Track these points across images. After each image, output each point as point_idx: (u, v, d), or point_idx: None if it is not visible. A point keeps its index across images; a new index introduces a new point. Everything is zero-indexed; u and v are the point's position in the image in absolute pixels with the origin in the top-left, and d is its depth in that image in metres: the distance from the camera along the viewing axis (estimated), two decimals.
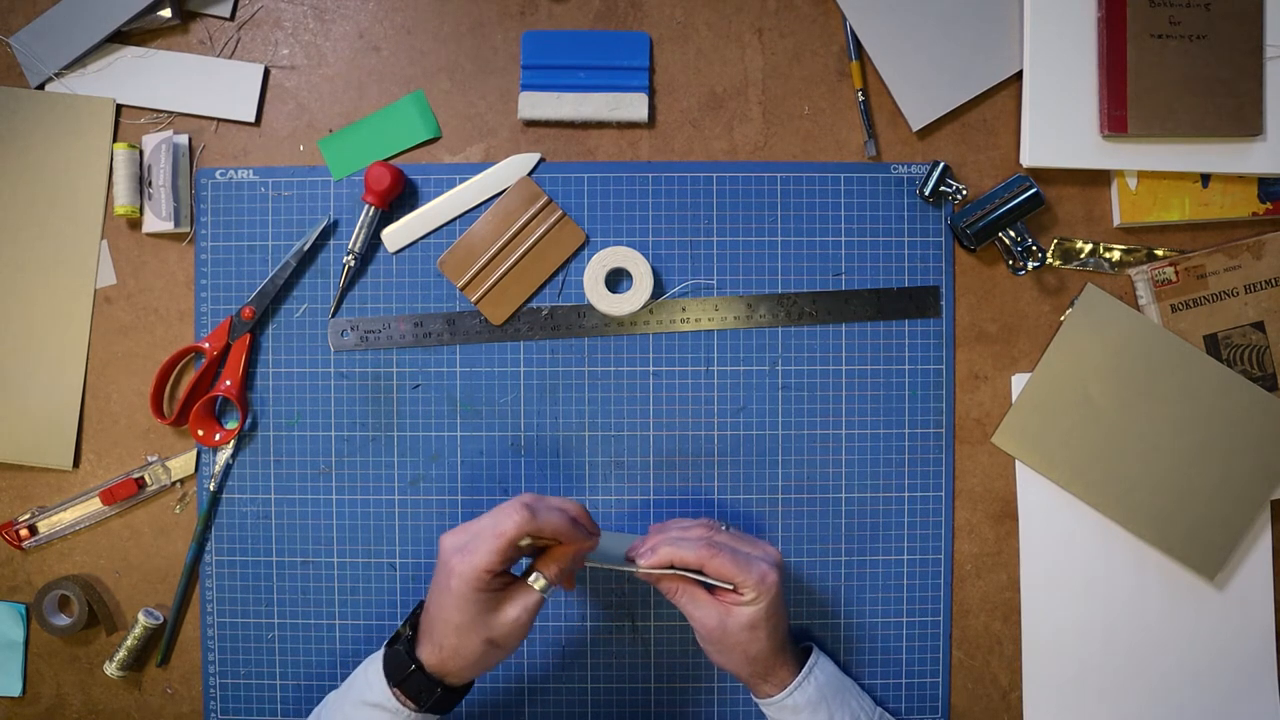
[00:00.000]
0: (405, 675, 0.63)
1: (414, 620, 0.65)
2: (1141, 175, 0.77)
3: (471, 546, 0.61)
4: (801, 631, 0.78)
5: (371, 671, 0.64)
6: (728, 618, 0.66)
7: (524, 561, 0.66)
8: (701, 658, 0.78)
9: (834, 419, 0.78)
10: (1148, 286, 0.77)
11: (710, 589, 0.68)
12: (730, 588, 0.66)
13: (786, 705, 0.68)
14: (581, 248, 0.77)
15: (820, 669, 0.70)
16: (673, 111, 0.78)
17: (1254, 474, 0.77)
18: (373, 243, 0.77)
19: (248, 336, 0.77)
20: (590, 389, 0.78)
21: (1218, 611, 0.78)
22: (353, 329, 0.78)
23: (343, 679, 0.77)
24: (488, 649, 0.62)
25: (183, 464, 0.78)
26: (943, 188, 0.76)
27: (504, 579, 0.63)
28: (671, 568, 0.67)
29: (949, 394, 0.78)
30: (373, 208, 0.76)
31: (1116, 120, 0.74)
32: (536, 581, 0.63)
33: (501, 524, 0.61)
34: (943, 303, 0.78)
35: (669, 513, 0.77)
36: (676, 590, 0.68)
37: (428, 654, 0.63)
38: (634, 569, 0.67)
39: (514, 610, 0.62)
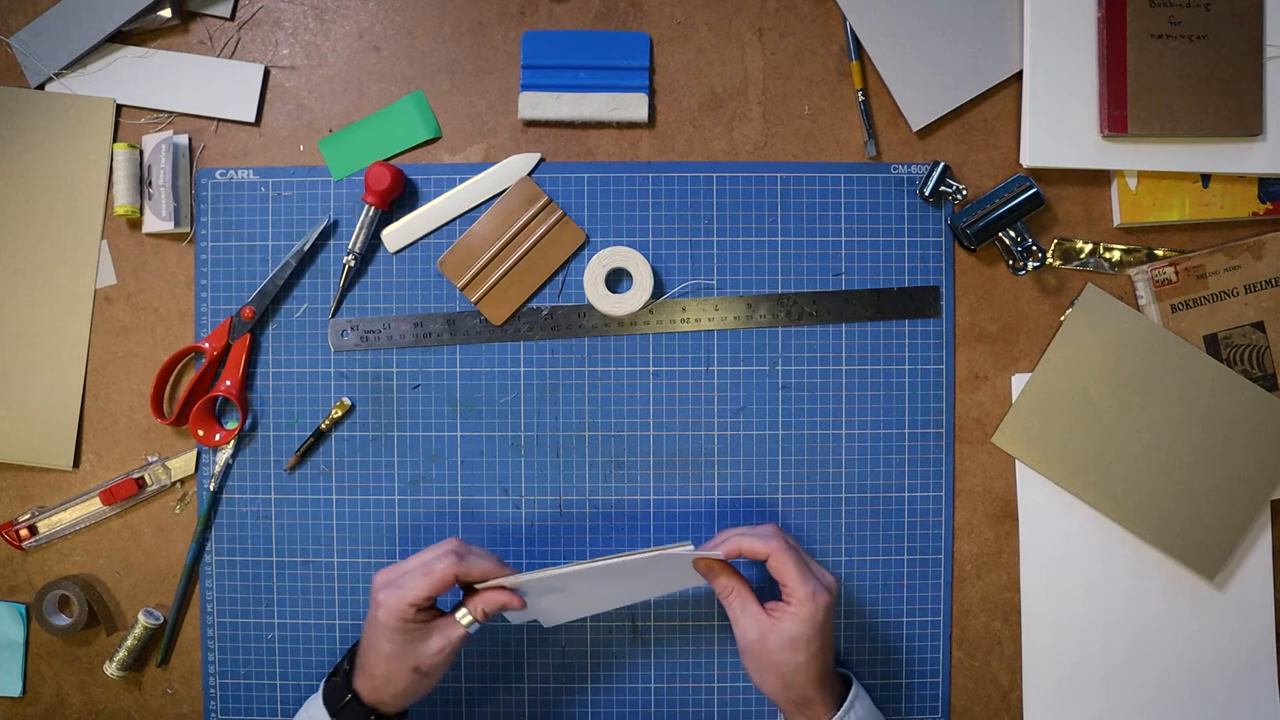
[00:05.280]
0: (342, 704, 0.66)
1: (352, 655, 0.69)
2: (1141, 175, 0.77)
3: (400, 582, 0.65)
4: None
5: (314, 708, 0.67)
6: (770, 632, 0.66)
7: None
8: (701, 658, 0.78)
9: (834, 419, 0.78)
10: (1148, 286, 0.77)
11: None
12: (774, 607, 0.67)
13: None
14: (581, 248, 0.78)
15: (860, 703, 0.68)
16: (673, 111, 0.78)
17: (1254, 474, 0.77)
18: (373, 243, 0.77)
19: (248, 336, 0.77)
20: (590, 389, 0.78)
21: (1218, 611, 0.78)
22: (353, 329, 0.78)
23: None
24: (415, 678, 0.66)
25: (183, 464, 0.78)
26: (943, 188, 0.76)
27: (430, 613, 0.67)
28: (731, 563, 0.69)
29: (949, 394, 0.78)
30: (373, 208, 0.76)
31: (1116, 120, 0.74)
32: (464, 618, 0.67)
33: (431, 565, 0.66)
34: (943, 303, 0.78)
35: (669, 513, 0.78)
36: (730, 591, 0.68)
37: (362, 684, 0.67)
38: (695, 553, 0.67)
39: (439, 642, 0.66)
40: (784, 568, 0.66)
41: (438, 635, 0.66)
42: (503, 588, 0.67)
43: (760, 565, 0.69)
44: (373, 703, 0.66)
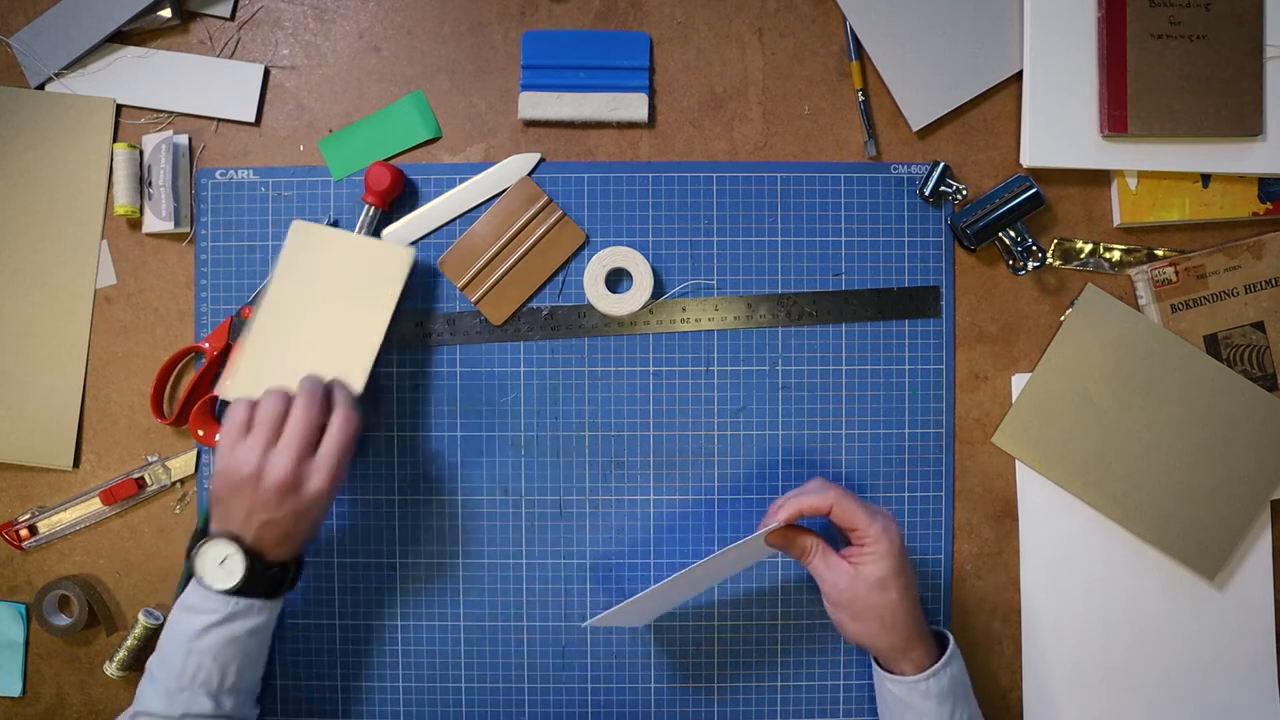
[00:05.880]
0: (274, 579, 0.66)
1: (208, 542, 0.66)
2: (1141, 175, 0.77)
3: (332, 471, 0.65)
4: (803, 630, 0.78)
5: (209, 598, 0.64)
6: (857, 579, 0.66)
7: None
8: (701, 658, 0.78)
9: (834, 419, 0.78)
10: (1148, 286, 0.77)
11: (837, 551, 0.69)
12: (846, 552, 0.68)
13: (919, 689, 0.67)
14: (581, 248, 0.78)
15: (956, 662, 0.69)
16: (673, 111, 0.78)
17: (1254, 474, 0.77)
18: None
19: None
20: (590, 389, 0.78)
21: (1218, 611, 0.78)
22: None
23: (342, 678, 0.78)
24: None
25: (183, 464, 0.78)
26: (943, 188, 0.76)
27: None
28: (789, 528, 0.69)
29: (949, 394, 0.78)
30: (373, 208, 0.76)
31: (1116, 120, 0.74)
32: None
33: (349, 435, 0.66)
34: (943, 303, 0.78)
35: (669, 513, 0.78)
36: (811, 549, 0.68)
37: (285, 553, 0.66)
38: (765, 531, 0.68)
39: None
40: (848, 512, 0.67)
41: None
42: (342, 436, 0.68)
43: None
44: (290, 560, 0.68)
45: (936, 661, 0.67)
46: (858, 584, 0.66)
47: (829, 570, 0.68)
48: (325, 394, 0.67)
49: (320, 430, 0.66)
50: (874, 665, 0.71)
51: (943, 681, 0.67)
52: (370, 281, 0.73)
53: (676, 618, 0.77)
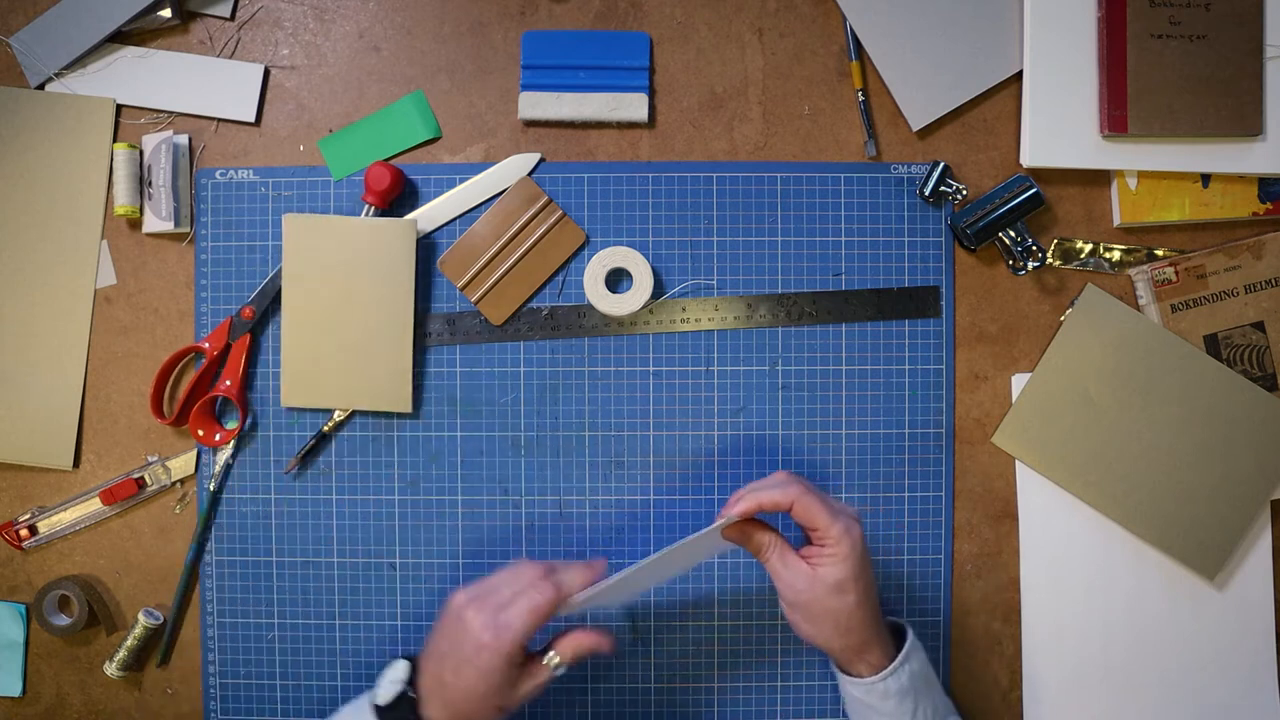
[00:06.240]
0: None
1: (410, 679, 0.65)
2: (1141, 175, 0.77)
3: (506, 622, 0.62)
4: None
5: None
6: (815, 581, 0.64)
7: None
8: (701, 658, 0.78)
9: (834, 419, 0.78)
10: (1148, 286, 0.77)
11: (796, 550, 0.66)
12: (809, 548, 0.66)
13: (878, 689, 0.65)
14: (581, 248, 0.78)
15: (915, 656, 0.67)
16: (673, 111, 0.78)
17: (1254, 474, 0.77)
18: None
19: (248, 336, 0.77)
20: (590, 389, 0.78)
21: (1218, 611, 0.78)
22: None
23: (343, 679, 0.78)
24: (496, 716, 0.64)
25: (183, 464, 0.78)
26: (943, 188, 0.76)
27: (523, 652, 0.65)
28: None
29: (949, 394, 0.78)
30: (373, 208, 0.76)
31: (1116, 120, 0.74)
32: (552, 661, 0.66)
33: (536, 600, 0.63)
34: (943, 303, 0.78)
35: (669, 513, 0.78)
36: (768, 546, 0.66)
37: (437, 714, 0.63)
38: (720, 525, 0.66)
39: (529, 685, 0.65)
40: (810, 511, 0.64)
41: (528, 677, 0.64)
42: (591, 630, 0.67)
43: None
44: None
45: (894, 659, 0.65)
46: (815, 586, 0.64)
47: (786, 570, 0.65)
48: (552, 574, 0.66)
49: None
50: (833, 667, 0.69)
51: (901, 679, 0.65)
52: (381, 261, 0.75)
53: (676, 618, 0.77)
